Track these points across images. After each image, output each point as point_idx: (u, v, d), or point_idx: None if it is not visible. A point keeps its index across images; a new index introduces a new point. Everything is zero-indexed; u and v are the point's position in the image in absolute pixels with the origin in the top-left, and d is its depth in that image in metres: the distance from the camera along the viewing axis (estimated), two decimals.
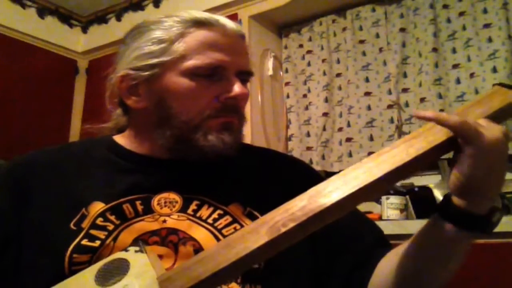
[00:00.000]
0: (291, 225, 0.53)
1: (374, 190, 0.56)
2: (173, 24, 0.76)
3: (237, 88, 0.75)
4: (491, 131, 0.55)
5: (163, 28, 0.76)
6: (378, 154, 0.57)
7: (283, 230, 0.53)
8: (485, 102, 0.59)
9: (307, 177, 0.85)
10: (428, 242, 0.65)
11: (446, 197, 0.60)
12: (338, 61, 2.33)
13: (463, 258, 0.65)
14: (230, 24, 0.77)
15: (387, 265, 0.71)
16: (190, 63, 0.73)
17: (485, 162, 0.55)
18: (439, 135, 0.57)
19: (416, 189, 1.82)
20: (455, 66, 2.02)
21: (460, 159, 0.56)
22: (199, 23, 0.76)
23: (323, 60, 2.35)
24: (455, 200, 0.59)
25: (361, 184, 0.54)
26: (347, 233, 0.77)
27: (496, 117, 0.58)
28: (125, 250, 0.59)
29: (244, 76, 0.79)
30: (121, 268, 0.56)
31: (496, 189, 0.58)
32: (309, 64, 2.42)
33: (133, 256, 0.58)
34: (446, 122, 0.55)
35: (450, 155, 0.59)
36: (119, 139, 0.83)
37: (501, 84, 0.61)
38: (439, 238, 0.62)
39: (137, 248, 0.58)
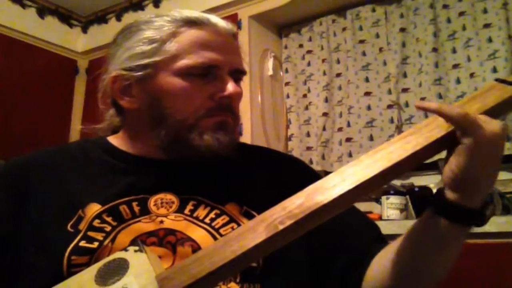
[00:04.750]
0: (289, 222, 0.53)
1: (372, 186, 0.56)
2: (164, 23, 0.76)
3: (230, 87, 0.75)
4: (491, 125, 0.55)
5: (154, 27, 0.76)
6: (375, 151, 0.57)
7: (281, 227, 0.53)
8: (480, 98, 0.59)
9: (305, 176, 0.85)
10: (422, 237, 0.65)
11: (439, 191, 0.60)
12: (338, 61, 2.33)
13: (458, 254, 0.64)
14: (221, 23, 0.77)
15: (382, 261, 0.71)
16: (182, 62, 0.73)
17: (482, 155, 0.55)
18: (435, 131, 0.57)
19: (416, 189, 1.83)
20: (455, 66, 2.02)
21: (457, 152, 0.56)
22: (190, 23, 0.75)
23: (323, 60, 2.35)
24: (449, 194, 0.59)
25: (359, 181, 0.54)
26: (343, 230, 0.77)
27: (492, 113, 0.58)
28: (125, 249, 0.58)
29: (237, 74, 0.78)
30: (120, 268, 0.56)
31: (490, 184, 0.59)
32: (309, 64, 2.42)
33: (132, 255, 0.57)
34: (449, 113, 0.55)
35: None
36: (114, 140, 0.83)
37: (498, 80, 0.61)
38: (433, 232, 0.62)
39: (137, 248, 0.58)
